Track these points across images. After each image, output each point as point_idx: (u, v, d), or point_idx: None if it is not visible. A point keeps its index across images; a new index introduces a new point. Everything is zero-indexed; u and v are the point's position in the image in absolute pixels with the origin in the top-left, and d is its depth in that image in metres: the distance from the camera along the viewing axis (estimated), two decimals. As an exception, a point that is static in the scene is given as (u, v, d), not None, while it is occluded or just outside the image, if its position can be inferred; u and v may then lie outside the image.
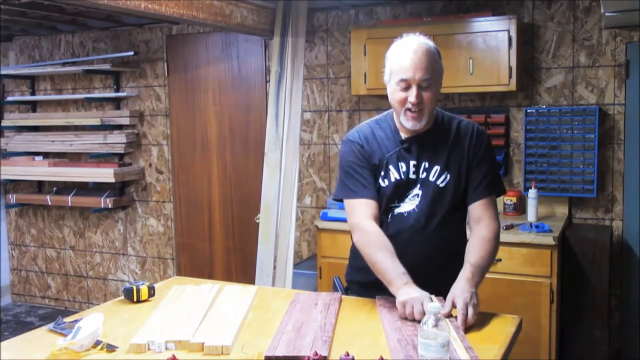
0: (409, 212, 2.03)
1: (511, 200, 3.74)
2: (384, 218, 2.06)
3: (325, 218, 3.77)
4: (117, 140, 4.82)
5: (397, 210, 2.05)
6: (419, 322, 1.64)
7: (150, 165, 4.97)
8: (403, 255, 1.99)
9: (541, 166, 3.73)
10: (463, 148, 2.03)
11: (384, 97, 4.21)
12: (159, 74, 4.86)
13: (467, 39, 3.59)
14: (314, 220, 4.10)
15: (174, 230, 4.96)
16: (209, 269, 4.83)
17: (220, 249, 4.81)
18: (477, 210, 2.03)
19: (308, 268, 4.05)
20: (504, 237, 3.28)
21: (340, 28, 4.27)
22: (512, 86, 3.53)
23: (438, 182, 2.02)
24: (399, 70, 1.94)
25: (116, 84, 4.96)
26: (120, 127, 4.92)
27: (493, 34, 3.53)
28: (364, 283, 2.13)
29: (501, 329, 1.77)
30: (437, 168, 2.02)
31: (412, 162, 2.03)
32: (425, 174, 2.03)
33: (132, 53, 4.79)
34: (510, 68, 3.51)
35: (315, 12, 4.31)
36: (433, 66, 1.94)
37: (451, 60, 3.62)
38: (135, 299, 2.04)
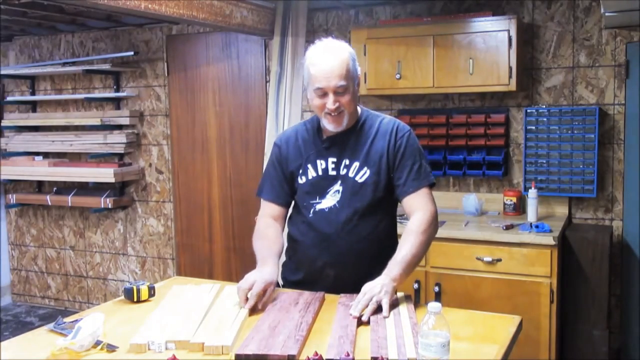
0: (329, 208, 2.09)
1: (511, 200, 3.74)
2: (306, 214, 2.12)
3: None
4: (117, 140, 4.82)
5: (318, 207, 2.11)
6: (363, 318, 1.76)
7: (150, 165, 4.97)
8: (328, 250, 2.07)
9: (541, 166, 3.73)
10: (383, 145, 2.08)
11: (384, 96, 4.23)
12: (159, 74, 4.86)
13: (467, 39, 3.59)
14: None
15: (174, 230, 4.96)
16: (209, 269, 4.83)
17: (220, 249, 4.81)
18: (408, 205, 2.07)
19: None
20: (504, 237, 3.29)
21: (340, 28, 4.27)
22: (512, 86, 3.53)
23: (357, 178, 2.07)
24: (315, 79, 2.00)
25: (116, 84, 4.96)
26: (120, 127, 4.92)
27: (493, 34, 3.53)
28: (294, 281, 2.20)
29: (501, 329, 1.77)
30: (356, 164, 2.08)
31: (331, 160, 2.10)
32: (345, 170, 2.09)
33: (132, 53, 4.79)
34: (510, 68, 3.50)
35: (315, 12, 4.31)
36: (347, 71, 1.99)
37: (451, 60, 3.62)
38: (135, 299, 2.04)
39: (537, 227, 3.32)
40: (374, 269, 1.95)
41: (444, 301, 3.30)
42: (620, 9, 2.96)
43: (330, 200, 2.09)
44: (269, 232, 2.15)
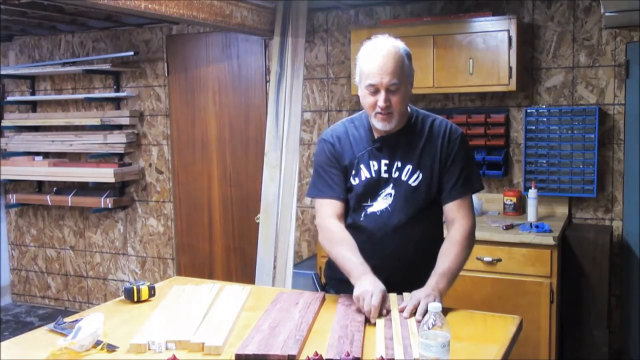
0: (381, 211, 2.05)
1: (511, 200, 3.74)
2: (356, 217, 2.08)
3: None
4: (117, 140, 4.82)
5: (369, 209, 2.07)
6: (369, 317, 1.76)
7: (150, 165, 4.97)
8: (377, 253, 2.03)
9: (541, 166, 3.73)
10: (435, 147, 2.05)
11: (384, 97, 4.19)
12: (159, 74, 4.86)
13: (467, 39, 3.59)
14: (314, 220, 4.09)
15: (174, 230, 4.96)
16: (209, 269, 4.83)
17: (220, 249, 4.81)
18: (451, 212, 2.05)
19: (308, 268, 4.05)
20: (504, 237, 3.29)
21: (340, 28, 4.27)
22: (512, 86, 3.53)
23: (410, 182, 2.04)
24: (367, 75, 1.96)
25: (116, 84, 4.96)
26: (120, 127, 4.92)
27: (493, 34, 3.53)
28: (340, 279, 2.16)
29: (501, 329, 1.77)
30: (409, 167, 2.04)
31: (384, 161, 2.06)
32: (397, 173, 2.05)
33: (132, 53, 4.79)
34: (510, 68, 3.50)
35: (315, 12, 4.31)
36: (401, 70, 1.96)
37: (451, 60, 3.62)
38: (135, 299, 2.04)
39: (537, 227, 3.32)
40: (424, 273, 1.94)
41: (444, 301, 3.29)
42: (620, 9, 2.96)
43: (381, 203, 2.05)
44: (346, 236, 2.04)
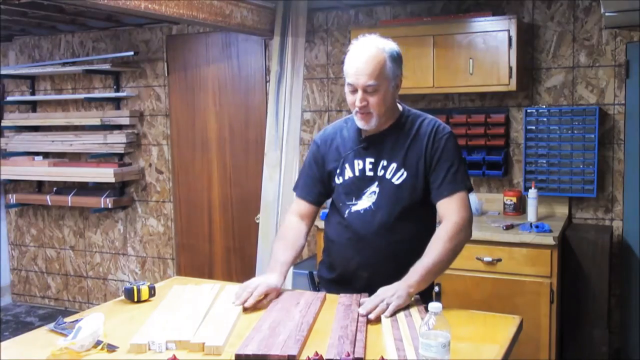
0: (365, 209, 2.06)
1: (511, 200, 3.74)
2: (340, 216, 2.11)
3: (325, 218, 3.75)
4: (117, 140, 4.82)
5: (354, 208, 2.08)
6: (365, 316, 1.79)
7: (150, 165, 4.97)
8: (364, 252, 2.05)
9: (541, 166, 3.73)
10: (421, 147, 2.05)
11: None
12: (159, 74, 4.86)
13: (467, 39, 3.59)
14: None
15: (174, 230, 4.96)
16: (209, 269, 4.83)
17: (220, 249, 4.81)
18: (441, 209, 2.04)
19: (308, 268, 4.04)
20: (504, 237, 3.29)
21: (340, 28, 4.27)
22: (512, 86, 3.53)
23: (394, 180, 2.04)
24: (347, 74, 2.00)
25: (116, 84, 4.96)
26: (120, 127, 4.92)
27: (493, 34, 3.53)
28: (328, 279, 2.18)
29: (501, 329, 1.77)
30: (394, 165, 2.05)
31: (368, 160, 2.07)
32: (382, 171, 2.06)
33: (132, 53, 4.79)
34: (510, 68, 3.50)
35: (315, 12, 4.31)
36: (380, 72, 1.95)
37: (451, 60, 3.62)
38: (135, 299, 2.03)
39: (537, 227, 3.32)
40: (407, 270, 1.93)
41: (444, 301, 3.29)
42: (620, 9, 2.96)
43: (366, 201, 2.06)
44: (290, 234, 2.15)
